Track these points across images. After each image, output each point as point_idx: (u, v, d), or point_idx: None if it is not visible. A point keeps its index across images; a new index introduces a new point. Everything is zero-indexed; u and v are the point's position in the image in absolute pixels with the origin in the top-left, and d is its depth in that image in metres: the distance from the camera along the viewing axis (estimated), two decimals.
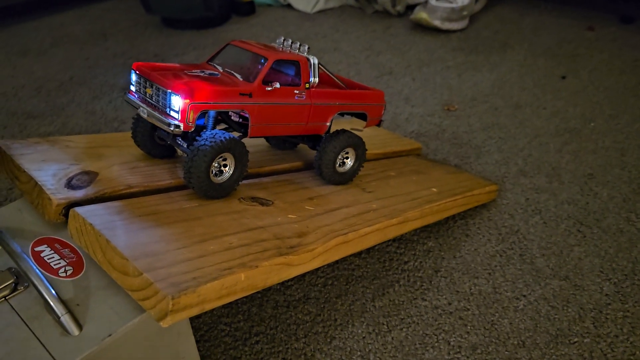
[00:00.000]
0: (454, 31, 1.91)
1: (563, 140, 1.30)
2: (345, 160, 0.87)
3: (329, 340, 0.82)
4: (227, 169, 0.71)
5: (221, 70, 0.77)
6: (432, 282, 0.92)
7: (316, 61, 0.79)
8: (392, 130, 1.33)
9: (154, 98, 0.69)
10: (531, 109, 1.44)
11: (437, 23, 1.87)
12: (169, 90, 0.66)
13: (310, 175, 0.89)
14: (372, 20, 2.10)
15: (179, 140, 0.74)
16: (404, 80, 1.61)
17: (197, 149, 0.67)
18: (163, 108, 0.68)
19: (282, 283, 0.92)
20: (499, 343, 0.81)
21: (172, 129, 0.66)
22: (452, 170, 1.13)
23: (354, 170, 0.88)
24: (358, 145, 0.86)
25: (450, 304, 0.88)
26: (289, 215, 0.72)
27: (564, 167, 1.20)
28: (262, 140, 0.99)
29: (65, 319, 0.54)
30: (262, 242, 0.63)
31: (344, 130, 0.85)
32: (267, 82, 0.73)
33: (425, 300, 0.89)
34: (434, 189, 0.96)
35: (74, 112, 1.50)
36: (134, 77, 0.74)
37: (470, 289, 0.90)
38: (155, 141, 0.81)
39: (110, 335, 0.53)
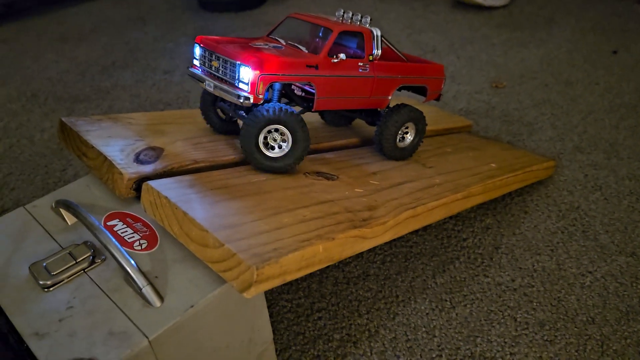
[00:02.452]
0: (497, 8, 1.87)
1: (619, 116, 1.26)
2: (405, 135, 0.85)
3: (392, 316, 0.81)
4: (284, 144, 0.70)
5: (284, 43, 0.76)
6: (493, 259, 0.90)
7: (379, 33, 0.77)
8: (440, 108, 1.31)
9: (220, 70, 0.69)
10: (583, 85, 1.40)
11: (479, 0, 1.83)
12: (238, 62, 0.65)
13: (369, 151, 0.88)
14: None
15: (242, 113, 0.73)
16: (449, 58, 1.58)
17: (247, 118, 0.66)
18: (231, 80, 0.67)
19: (341, 260, 0.91)
20: (567, 319, 0.79)
21: (241, 100, 0.65)
22: (507, 147, 1.10)
23: (414, 146, 0.86)
24: (419, 119, 0.85)
25: (513, 280, 0.86)
26: (356, 190, 0.71)
27: (622, 143, 1.17)
28: (317, 117, 0.98)
29: (147, 291, 0.54)
30: (334, 215, 0.62)
31: (404, 105, 0.83)
32: (332, 54, 0.72)
33: (488, 277, 0.87)
34: (493, 165, 0.94)
35: (119, 95, 1.51)
36: (198, 51, 0.73)
37: (533, 266, 0.88)
38: (218, 116, 0.81)
39: (192, 306, 0.53)
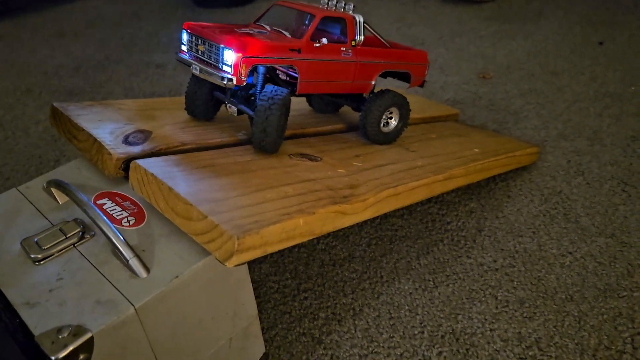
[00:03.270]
0: (486, 1, 1.89)
1: (603, 105, 1.28)
2: (389, 120, 0.87)
3: (376, 295, 0.84)
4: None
5: (269, 29, 0.78)
6: (476, 241, 0.92)
7: (362, 19, 0.79)
8: (427, 97, 1.33)
9: (206, 54, 0.71)
10: (569, 75, 1.42)
11: None
12: (222, 45, 0.67)
13: (354, 136, 0.90)
14: None
15: (234, 100, 0.75)
16: (438, 50, 1.60)
17: (267, 107, 0.69)
18: (216, 63, 0.69)
19: (327, 243, 0.93)
20: (546, 297, 0.82)
21: (225, 82, 0.67)
22: (492, 134, 1.12)
23: (398, 130, 0.89)
24: (402, 104, 0.87)
25: (495, 261, 0.88)
26: (339, 170, 0.73)
27: (606, 130, 1.19)
28: (305, 105, 1.00)
29: (134, 262, 0.56)
30: (316, 192, 0.65)
31: (388, 90, 0.85)
32: (315, 39, 0.74)
33: (470, 258, 0.89)
34: (476, 150, 0.96)
35: (112, 88, 1.53)
36: (185, 37, 0.74)
37: (515, 247, 0.91)
38: (206, 102, 0.82)
39: (177, 277, 0.55)
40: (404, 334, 0.78)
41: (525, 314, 0.79)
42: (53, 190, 0.67)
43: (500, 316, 0.79)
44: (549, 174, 1.07)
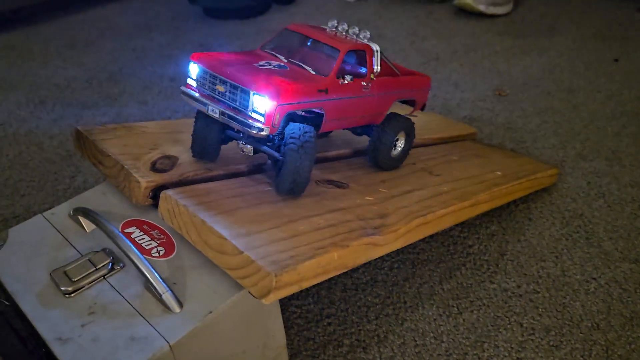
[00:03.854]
0: (499, 16, 1.89)
1: (621, 124, 1.28)
2: (396, 144, 0.85)
3: (400, 322, 0.83)
4: None
5: (285, 61, 0.71)
6: (499, 266, 0.92)
7: (378, 48, 0.76)
8: (444, 115, 1.33)
9: (227, 97, 0.64)
10: (585, 92, 1.42)
11: (481, 8, 1.85)
12: (252, 90, 0.61)
13: (364, 161, 0.88)
14: (414, 6, 2.09)
15: (250, 139, 0.69)
16: (452, 65, 1.60)
17: (299, 156, 0.63)
18: (242, 109, 0.63)
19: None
20: (572, 325, 0.81)
21: (255, 132, 0.61)
22: (511, 154, 1.12)
23: (405, 153, 0.86)
24: (409, 128, 0.84)
25: (519, 286, 0.88)
26: (367, 197, 0.73)
27: (624, 150, 1.18)
28: None
29: (167, 297, 0.55)
30: (347, 223, 0.64)
31: (395, 115, 0.82)
32: (338, 75, 0.70)
33: (494, 283, 0.89)
34: (498, 172, 0.95)
35: (126, 102, 1.53)
36: (195, 70, 0.67)
37: (538, 272, 0.90)
38: (217, 144, 0.73)
39: (211, 312, 0.55)
40: None
41: (551, 343, 0.79)
42: (80, 218, 0.66)
43: (526, 344, 0.78)
44: (570, 196, 1.06)
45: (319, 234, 0.60)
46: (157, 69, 1.72)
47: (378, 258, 0.93)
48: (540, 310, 0.84)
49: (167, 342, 0.52)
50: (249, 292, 0.56)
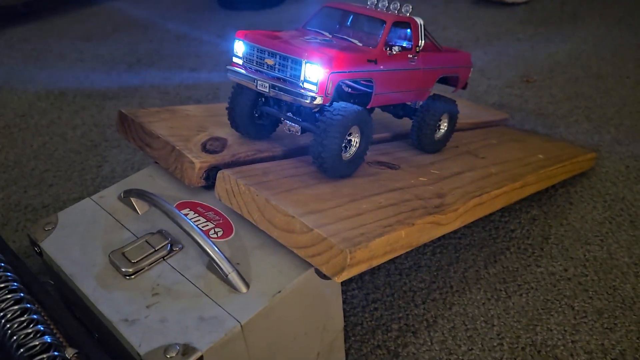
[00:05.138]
0: (519, 4, 1.87)
1: None
2: (440, 125, 0.84)
3: (448, 306, 0.82)
4: (354, 142, 0.66)
5: (330, 36, 0.71)
6: (544, 249, 0.90)
7: (422, 22, 0.75)
8: (473, 102, 1.31)
9: (277, 69, 0.63)
10: (613, 78, 1.40)
11: None
12: (303, 60, 0.59)
13: (405, 144, 0.87)
14: None
15: (295, 116, 0.67)
16: (476, 53, 1.58)
17: (329, 121, 0.60)
18: (294, 80, 0.61)
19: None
20: (625, 308, 0.79)
21: (308, 101, 0.60)
22: (547, 139, 1.10)
23: (447, 136, 0.84)
24: (453, 110, 0.83)
25: (566, 270, 0.86)
26: (420, 178, 0.71)
27: None
28: None
29: (233, 277, 0.54)
30: (408, 202, 0.63)
31: (438, 96, 0.81)
32: (385, 46, 0.68)
33: (540, 266, 0.87)
34: (540, 156, 0.94)
35: (147, 92, 1.51)
36: (242, 48, 0.66)
37: (585, 255, 0.88)
38: (253, 120, 0.72)
39: (279, 292, 0.53)
40: (482, 346, 0.76)
41: (605, 325, 0.77)
42: (133, 200, 0.65)
43: (579, 327, 0.77)
44: (609, 180, 1.05)
45: (383, 212, 0.59)
46: (175, 60, 1.71)
47: None
48: (590, 293, 0.82)
49: (239, 322, 0.51)
50: (317, 272, 0.55)
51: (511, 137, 1.04)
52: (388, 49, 0.69)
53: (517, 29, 1.71)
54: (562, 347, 0.74)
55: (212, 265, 0.55)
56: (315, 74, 0.59)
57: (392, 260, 0.90)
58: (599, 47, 1.57)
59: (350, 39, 0.70)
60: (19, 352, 0.47)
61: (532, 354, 0.74)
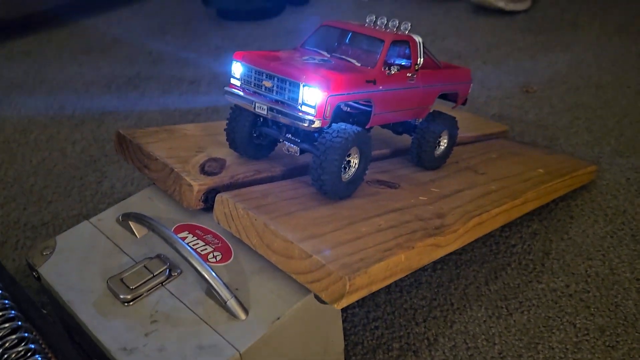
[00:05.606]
0: (518, 12, 1.88)
1: None
2: (439, 142, 0.83)
3: (449, 324, 0.81)
4: (353, 163, 0.66)
5: (328, 56, 0.70)
6: (545, 265, 0.90)
7: (421, 40, 0.74)
8: (472, 113, 1.31)
9: (275, 92, 0.62)
10: (613, 88, 1.40)
11: (501, 4, 1.84)
12: (302, 82, 0.59)
13: (405, 161, 0.86)
14: (430, 4, 2.07)
15: (293, 137, 0.67)
16: (475, 63, 1.58)
17: (328, 143, 0.60)
18: (291, 102, 0.60)
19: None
20: (627, 325, 0.79)
21: (306, 124, 0.59)
22: (547, 152, 1.10)
23: (447, 152, 0.84)
24: (452, 126, 0.83)
25: (568, 286, 0.86)
26: (420, 197, 0.71)
27: None
28: None
29: (232, 304, 0.53)
30: (407, 224, 0.62)
31: (438, 113, 0.80)
32: (384, 66, 0.68)
33: (541, 283, 0.87)
34: (540, 170, 0.94)
35: (147, 106, 1.51)
36: (239, 69, 0.65)
37: (586, 271, 0.88)
38: (252, 140, 0.71)
39: (278, 318, 0.53)
40: None
41: (607, 343, 0.77)
42: (131, 223, 0.65)
43: (581, 345, 0.77)
44: (610, 193, 1.04)
45: (382, 235, 0.59)
46: (175, 73, 1.71)
47: None
48: (592, 310, 0.82)
49: (237, 350, 0.50)
50: (316, 297, 0.55)
51: (511, 151, 1.04)
52: (387, 68, 0.68)
53: (516, 38, 1.71)
54: None
55: (210, 291, 0.55)
56: (313, 97, 0.59)
57: None
58: (600, 56, 1.57)
59: (348, 59, 0.69)
60: None
61: None
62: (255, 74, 0.64)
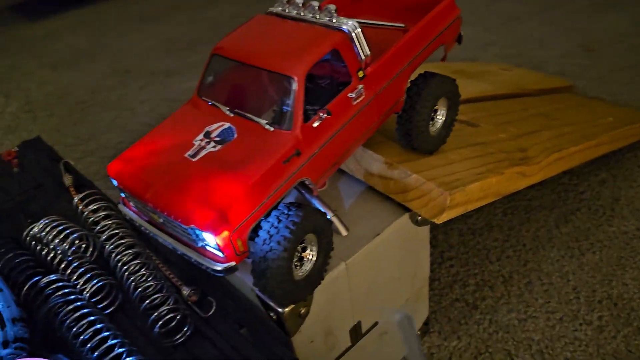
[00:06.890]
0: None
1: None
2: (435, 116, 0.59)
3: (522, 263, 0.84)
4: (308, 254, 0.49)
5: (230, 115, 0.49)
6: (615, 210, 0.91)
7: (357, 29, 0.49)
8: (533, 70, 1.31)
9: (169, 227, 0.47)
10: None
11: None
12: (189, 227, 0.44)
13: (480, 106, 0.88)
14: None
15: None
16: (532, 24, 1.57)
17: (268, 250, 0.44)
18: (192, 243, 0.46)
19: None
20: None
21: (220, 268, 0.45)
22: (614, 105, 1.10)
23: (448, 129, 0.61)
24: (453, 91, 0.59)
25: (639, 229, 0.87)
26: (500, 135, 0.73)
27: None
28: None
29: (334, 220, 0.57)
30: (492, 154, 0.65)
31: (430, 74, 0.56)
32: (307, 113, 0.47)
33: (612, 226, 0.88)
34: (610, 118, 0.95)
35: None
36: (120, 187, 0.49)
37: None
38: None
39: (378, 234, 0.56)
40: (559, 299, 0.78)
41: None
42: None
43: None
44: None
45: (471, 162, 0.61)
46: None
47: (489, 205, 0.94)
48: None
49: (344, 261, 0.54)
50: (411, 218, 0.58)
51: (578, 102, 1.05)
52: (310, 116, 0.47)
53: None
54: (638, 301, 0.76)
55: None
56: (212, 241, 0.44)
57: (464, 221, 0.92)
58: None
59: (254, 118, 0.48)
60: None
61: (609, 307, 0.76)
62: (140, 205, 0.49)
